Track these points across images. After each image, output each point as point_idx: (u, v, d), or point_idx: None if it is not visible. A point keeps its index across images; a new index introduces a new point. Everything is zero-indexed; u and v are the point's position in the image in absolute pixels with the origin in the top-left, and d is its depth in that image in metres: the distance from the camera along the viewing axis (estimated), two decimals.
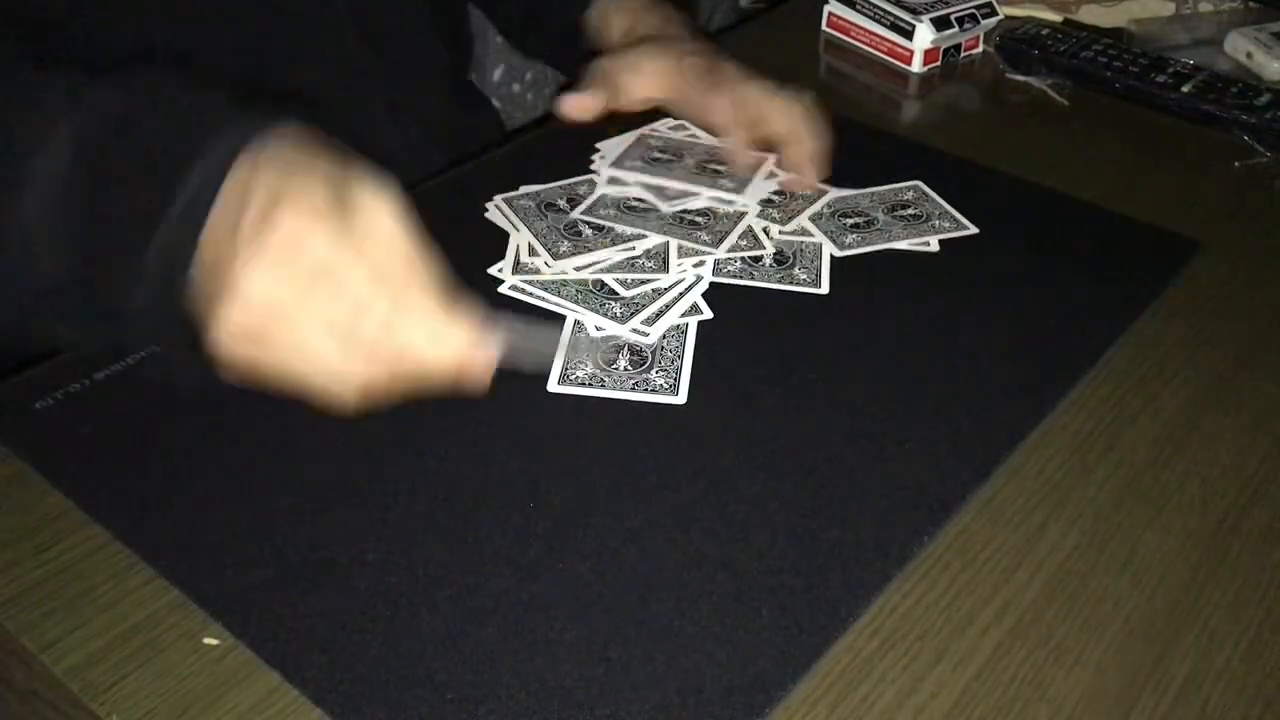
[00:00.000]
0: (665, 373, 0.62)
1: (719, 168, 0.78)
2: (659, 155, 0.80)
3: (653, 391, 0.61)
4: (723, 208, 0.75)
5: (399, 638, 0.49)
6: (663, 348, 0.64)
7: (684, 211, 0.74)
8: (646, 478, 0.57)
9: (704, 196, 0.75)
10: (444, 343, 0.49)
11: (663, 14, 0.85)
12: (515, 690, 0.47)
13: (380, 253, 0.48)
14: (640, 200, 0.75)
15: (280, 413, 0.60)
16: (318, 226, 0.47)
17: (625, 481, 0.57)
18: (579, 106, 0.80)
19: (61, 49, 0.69)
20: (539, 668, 0.48)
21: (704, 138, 0.82)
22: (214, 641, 0.49)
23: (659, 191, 0.76)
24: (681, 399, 0.61)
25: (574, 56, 0.90)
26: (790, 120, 0.75)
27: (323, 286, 0.47)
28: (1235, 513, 0.58)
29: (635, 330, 0.65)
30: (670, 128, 0.83)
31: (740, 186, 0.76)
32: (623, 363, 0.63)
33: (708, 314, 0.67)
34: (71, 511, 0.54)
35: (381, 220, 0.48)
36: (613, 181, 0.77)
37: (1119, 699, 0.49)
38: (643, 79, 0.79)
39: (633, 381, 0.62)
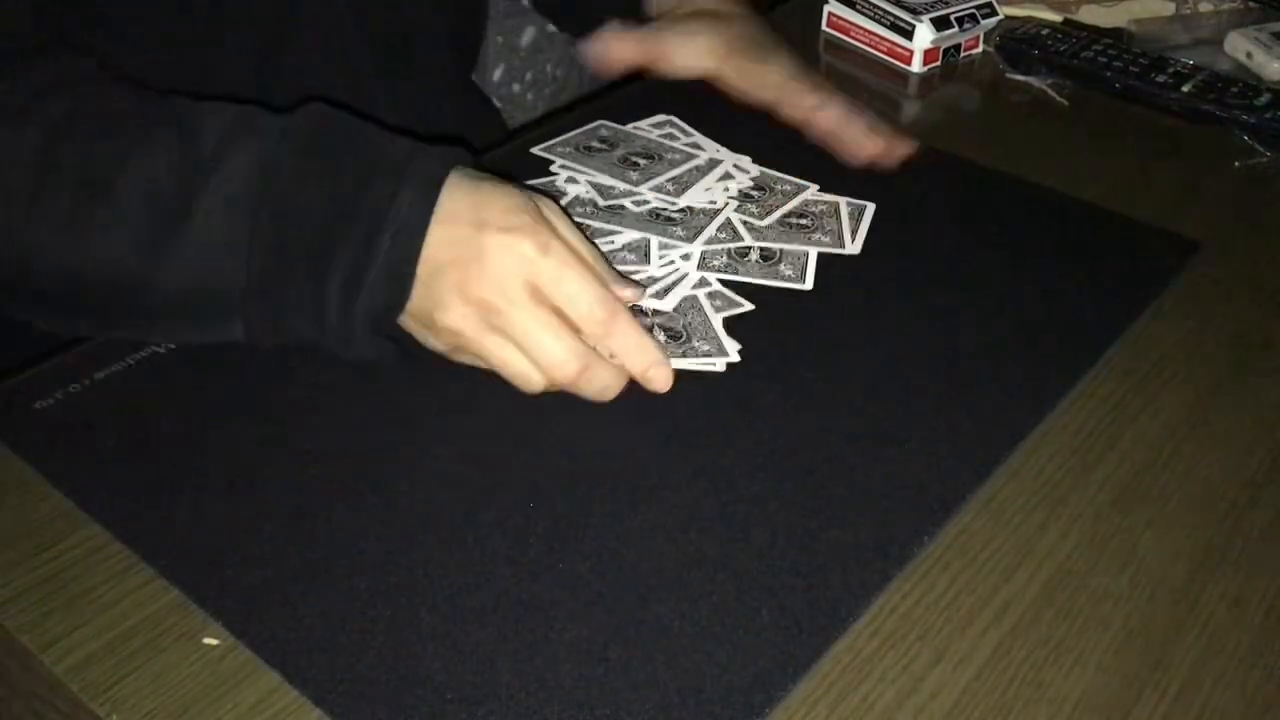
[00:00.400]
0: (705, 340, 0.64)
1: (640, 161, 0.78)
2: (595, 144, 0.80)
3: (703, 356, 0.64)
4: (698, 204, 0.75)
5: (399, 638, 0.49)
6: (689, 322, 0.66)
7: (657, 210, 0.74)
8: (646, 478, 0.57)
9: (646, 192, 0.75)
10: (643, 353, 0.59)
11: None
12: (515, 690, 0.47)
13: (594, 264, 0.59)
14: (611, 200, 0.75)
15: (280, 413, 0.60)
16: (552, 240, 0.57)
17: (625, 481, 0.57)
18: (614, 45, 0.78)
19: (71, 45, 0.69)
20: (539, 668, 0.48)
21: (653, 134, 0.81)
22: (214, 641, 0.49)
23: (604, 191, 0.76)
24: (734, 357, 0.64)
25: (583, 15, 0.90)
26: (814, 94, 0.74)
27: (556, 290, 0.57)
28: (1235, 513, 0.58)
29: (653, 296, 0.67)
30: (653, 123, 0.83)
31: (646, 178, 0.76)
32: (661, 337, 0.64)
33: (716, 286, 0.68)
34: (71, 511, 0.54)
35: (577, 236, 0.59)
36: (563, 169, 0.78)
37: (1119, 699, 0.49)
38: (692, 50, 0.78)
39: (682, 351, 0.64)
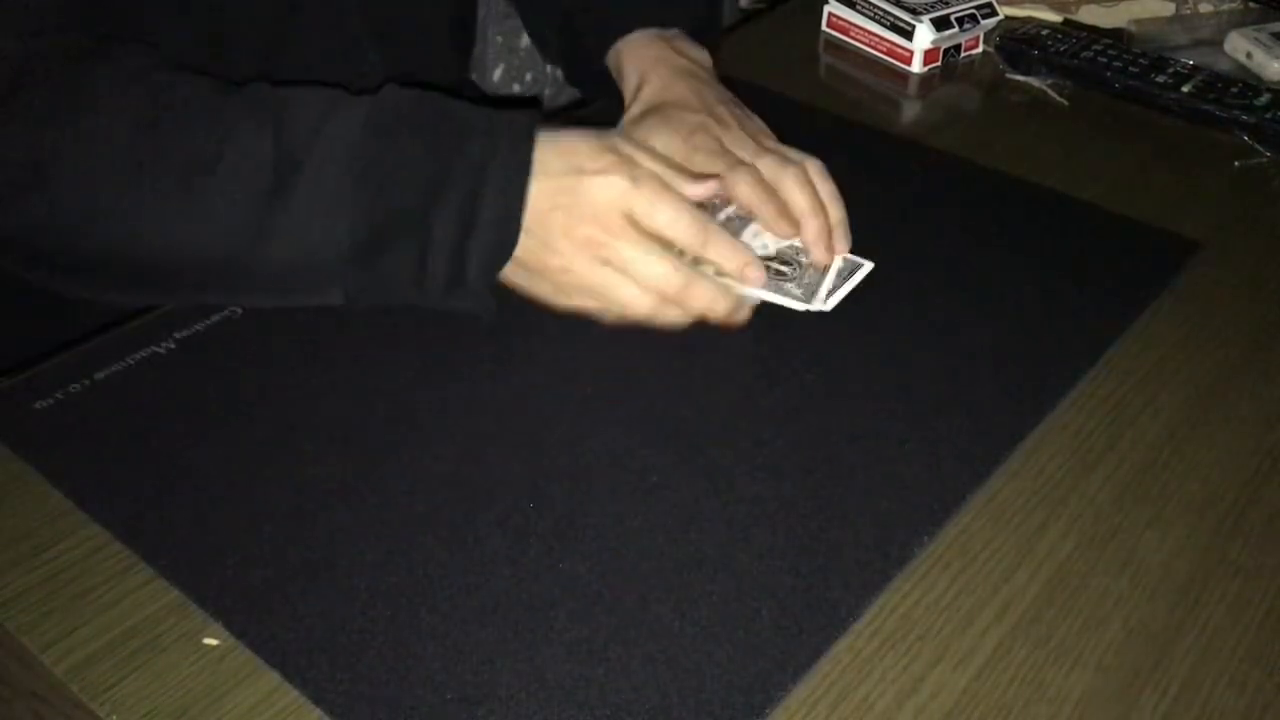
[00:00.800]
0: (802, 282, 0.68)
1: (782, 269, 0.70)
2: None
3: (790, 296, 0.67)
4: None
5: (399, 638, 0.49)
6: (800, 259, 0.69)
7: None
8: (646, 478, 0.57)
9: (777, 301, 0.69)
10: (737, 255, 0.64)
11: (671, 64, 0.81)
12: (515, 690, 0.47)
13: (678, 184, 0.64)
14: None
15: (280, 413, 0.60)
16: (639, 171, 0.62)
17: (625, 481, 0.57)
18: None
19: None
20: (539, 668, 0.48)
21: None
22: (214, 641, 0.49)
23: None
24: (824, 307, 0.67)
25: (588, 78, 0.90)
26: (804, 194, 0.71)
27: (652, 215, 0.61)
28: (1235, 513, 0.58)
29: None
30: None
31: (810, 295, 0.68)
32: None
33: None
34: (71, 511, 0.54)
35: (657, 161, 0.64)
36: None
37: (1119, 699, 0.49)
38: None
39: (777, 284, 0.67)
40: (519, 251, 0.62)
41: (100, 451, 0.57)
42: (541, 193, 0.61)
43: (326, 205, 0.60)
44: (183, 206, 0.60)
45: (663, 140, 0.75)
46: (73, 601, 0.50)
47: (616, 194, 0.61)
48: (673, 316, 0.64)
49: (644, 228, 0.62)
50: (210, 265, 0.62)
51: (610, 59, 0.85)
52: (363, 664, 0.48)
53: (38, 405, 0.59)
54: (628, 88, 0.83)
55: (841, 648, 0.50)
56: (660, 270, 0.62)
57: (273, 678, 0.47)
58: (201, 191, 0.59)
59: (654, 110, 0.78)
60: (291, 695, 0.47)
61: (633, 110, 0.80)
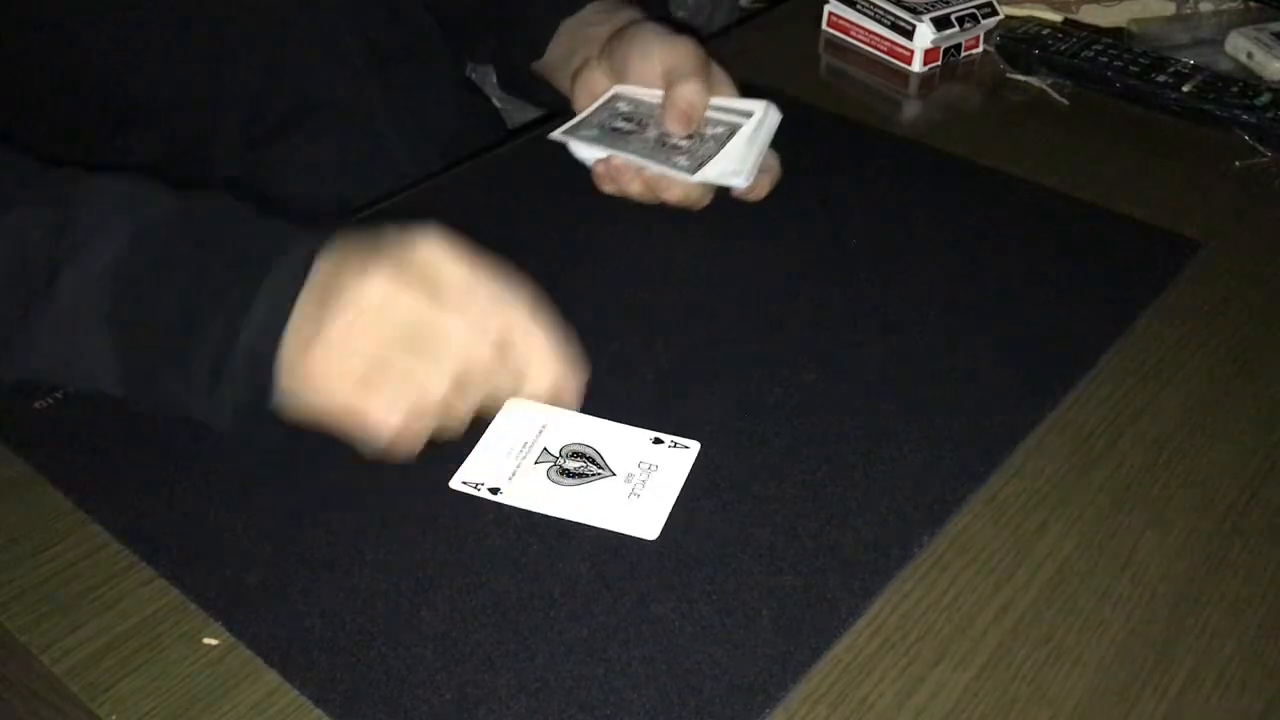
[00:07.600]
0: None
1: (680, 144, 0.72)
2: (621, 124, 0.75)
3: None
4: (710, 129, 0.72)
5: (399, 638, 0.49)
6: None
7: (666, 134, 0.73)
8: None
9: (652, 169, 0.72)
10: (547, 373, 0.56)
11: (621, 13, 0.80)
12: (515, 690, 0.47)
13: (473, 300, 0.54)
14: (626, 121, 0.74)
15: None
16: (408, 290, 0.52)
17: None
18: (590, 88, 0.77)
19: (76, 63, 0.69)
20: (539, 668, 0.48)
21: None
22: (214, 641, 0.49)
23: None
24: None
25: (520, 79, 0.89)
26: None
27: (423, 342, 0.52)
28: (1235, 513, 0.58)
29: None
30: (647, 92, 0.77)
31: (696, 166, 0.71)
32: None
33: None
34: (71, 511, 0.54)
35: (452, 268, 0.54)
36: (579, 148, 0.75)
37: (1119, 699, 0.49)
38: (654, 64, 0.74)
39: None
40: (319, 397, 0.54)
41: (100, 451, 0.57)
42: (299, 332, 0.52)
43: (85, 316, 0.54)
44: None
45: (661, 50, 0.73)
46: (73, 601, 0.50)
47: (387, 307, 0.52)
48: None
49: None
50: None
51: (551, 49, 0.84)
52: (363, 664, 0.48)
53: (38, 405, 0.59)
54: (556, 54, 0.80)
55: (841, 648, 0.50)
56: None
57: (273, 678, 0.47)
58: None
59: (632, 32, 0.76)
60: (291, 695, 0.47)
61: (595, 37, 0.78)
